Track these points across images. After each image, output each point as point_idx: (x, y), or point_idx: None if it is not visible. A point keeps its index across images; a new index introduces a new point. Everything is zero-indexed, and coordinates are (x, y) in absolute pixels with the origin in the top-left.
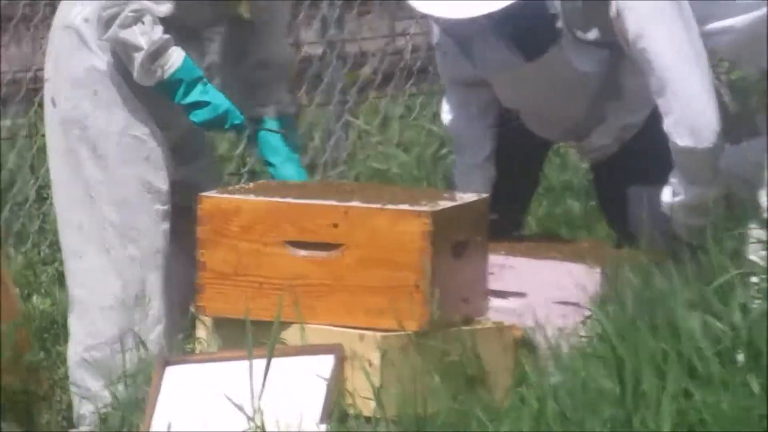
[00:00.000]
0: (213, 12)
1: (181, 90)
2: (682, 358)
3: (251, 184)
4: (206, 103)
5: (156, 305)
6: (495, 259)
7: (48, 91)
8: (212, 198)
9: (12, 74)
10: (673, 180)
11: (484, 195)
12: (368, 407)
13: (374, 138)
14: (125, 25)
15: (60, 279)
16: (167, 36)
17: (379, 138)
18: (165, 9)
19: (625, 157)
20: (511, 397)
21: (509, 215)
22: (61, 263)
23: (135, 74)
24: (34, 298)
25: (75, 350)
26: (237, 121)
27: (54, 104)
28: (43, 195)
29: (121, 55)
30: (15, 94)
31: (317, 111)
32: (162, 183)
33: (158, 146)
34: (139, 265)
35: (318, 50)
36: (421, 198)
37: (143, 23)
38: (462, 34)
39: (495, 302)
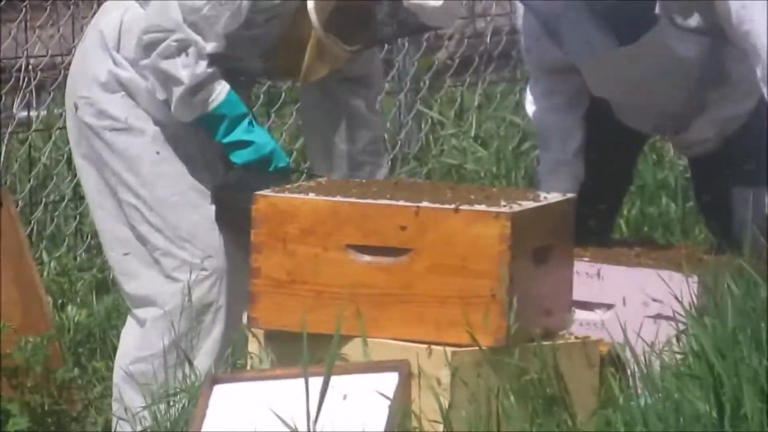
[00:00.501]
0: (263, 67)
1: (224, 126)
2: None
3: (311, 182)
4: (250, 143)
5: (212, 315)
6: (581, 267)
7: (69, 96)
8: (268, 197)
9: (49, 57)
10: None
11: (571, 195)
12: (436, 430)
13: (449, 130)
14: (167, 56)
15: (98, 287)
16: (212, 70)
17: (454, 130)
18: (211, 47)
19: (727, 153)
20: (595, 420)
21: (598, 217)
22: (99, 270)
23: (173, 108)
24: (69, 308)
25: (121, 363)
26: (282, 164)
27: (76, 108)
28: (80, 193)
29: (158, 83)
30: (52, 79)
31: (387, 100)
32: (206, 181)
33: (197, 143)
34: (192, 270)
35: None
36: (500, 198)
37: (187, 55)
38: (550, 15)
39: (580, 314)
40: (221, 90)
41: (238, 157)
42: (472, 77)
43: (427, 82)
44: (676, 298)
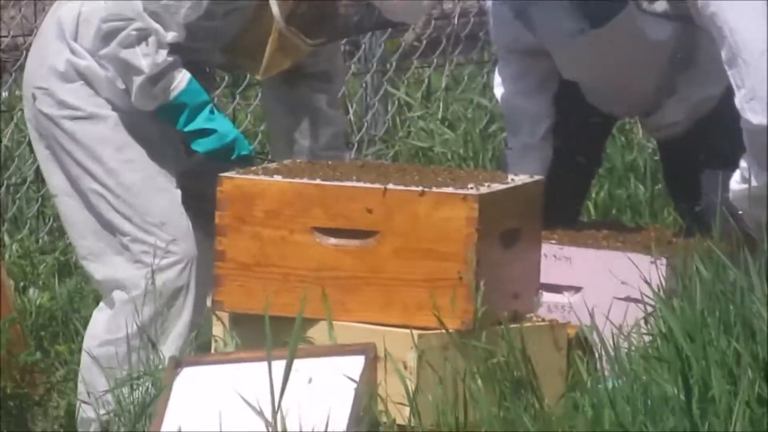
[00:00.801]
0: (224, 59)
1: (185, 115)
2: (757, 361)
3: (277, 164)
4: (212, 131)
5: (182, 299)
6: (549, 249)
7: (27, 86)
8: (233, 179)
9: (10, 38)
10: (743, 164)
11: (539, 177)
12: (403, 414)
13: (416, 112)
14: (127, 45)
15: (60, 270)
16: (172, 58)
17: (421, 112)
18: (171, 36)
19: (698, 136)
20: (563, 403)
21: (566, 200)
22: (62, 253)
23: (133, 98)
24: (31, 291)
25: (88, 345)
26: (245, 152)
27: (34, 99)
28: (42, 176)
29: (117, 73)
30: (13, 60)
31: (353, 81)
32: (171, 166)
33: (160, 129)
34: (161, 254)
35: (358, 13)
36: (467, 180)
37: (147, 44)
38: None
39: (548, 297)
40: (182, 78)
41: (201, 146)
42: (439, 59)
43: (394, 64)
44: (645, 280)
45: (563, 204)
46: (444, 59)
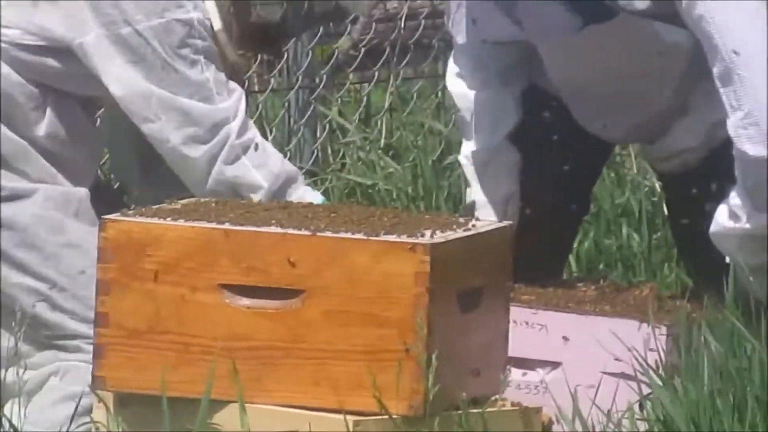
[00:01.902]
0: None
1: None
2: None
3: (177, 203)
4: None
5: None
6: (519, 314)
7: None
8: (119, 222)
9: None
10: (733, 200)
11: (506, 223)
12: None
13: (353, 138)
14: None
15: None
16: (292, 168)
17: (359, 138)
18: None
19: (712, 169)
20: None
21: (544, 254)
22: None
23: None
24: None
25: None
26: None
27: None
28: None
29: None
30: None
31: (274, 98)
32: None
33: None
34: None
35: (277, 13)
36: (417, 226)
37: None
38: None
39: (517, 375)
40: (312, 197)
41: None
42: (381, 72)
43: (325, 78)
44: (639, 354)
45: (540, 259)
46: (387, 72)
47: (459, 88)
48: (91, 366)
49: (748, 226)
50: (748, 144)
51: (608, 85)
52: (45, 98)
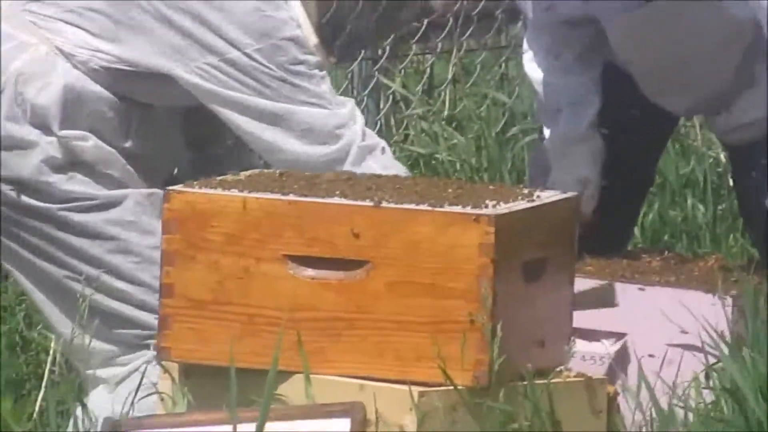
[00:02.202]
0: None
1: None
2: None
3: (240, 175)
4: None
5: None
6: (584, 285)
7: None
8: (184, 194)
9: None
10: None
11: (572, 194)
12: None
13: (416, 110)
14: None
15: None
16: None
17: (422, 110)
18: None
19: None
20: None
21: (610, 225)
22: None
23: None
24: None
25: None
26: None
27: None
28: None
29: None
30: None
31: (337, 70)
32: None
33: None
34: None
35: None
36: (481, 196)
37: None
38: None
39: (582, 346)
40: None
41: None
42: (444, 43)
43: (388, 49)
44: (706, 325)
45: (605, 230)
46: (450, 44)
47: (537, 73)
48: None
49: None
50: None
51: (673, 60)
52: (132, 110)
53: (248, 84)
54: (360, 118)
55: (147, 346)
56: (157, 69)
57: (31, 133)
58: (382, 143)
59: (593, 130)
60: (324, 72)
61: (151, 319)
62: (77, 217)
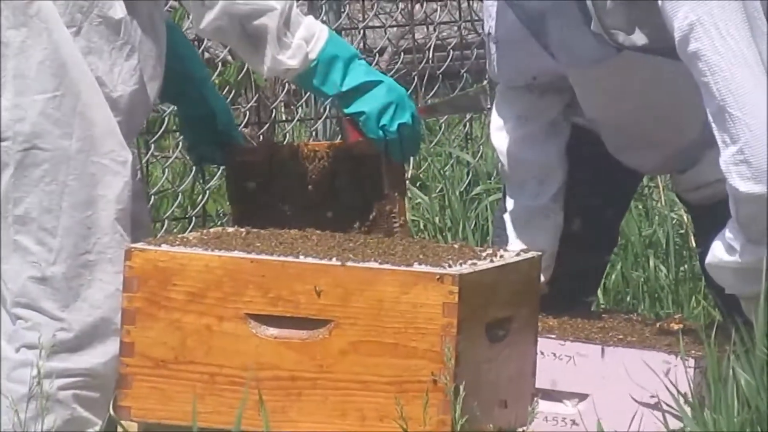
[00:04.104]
0: None
1: (340, 71)
2: None
3: (201, 232)
4: (377, 83)
5: None
6: (547, 346)
7: None
8: (146, 252)
9: None
10: (728, 234)
11: (535, 253)
12: None
13: None
14: None
15: None
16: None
17: None
18: None
19: None
20: None
21: (574, 287)
22: None
23: (265, 68)
24: None
25: None
26: (412, 110)
27: None
28: None
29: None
30: None
31: (301, 128)
32: None
33: None
34: None
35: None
36: (445, 256)
37: None
38: (536, 12)
39: (545, 406)
40: (321, 28)
41: (367, 104)
42: None
43: None
44: (669, 386)
45: (570, 292)
46: (415, 103)
47: (503, 144)
48: None
49: (741, 259)
50: (739, 180)
51: (641, 116)
52: None
53: None
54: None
55: None
56: None
57: None
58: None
59: (556, 204)
60: None
61: None
62: None
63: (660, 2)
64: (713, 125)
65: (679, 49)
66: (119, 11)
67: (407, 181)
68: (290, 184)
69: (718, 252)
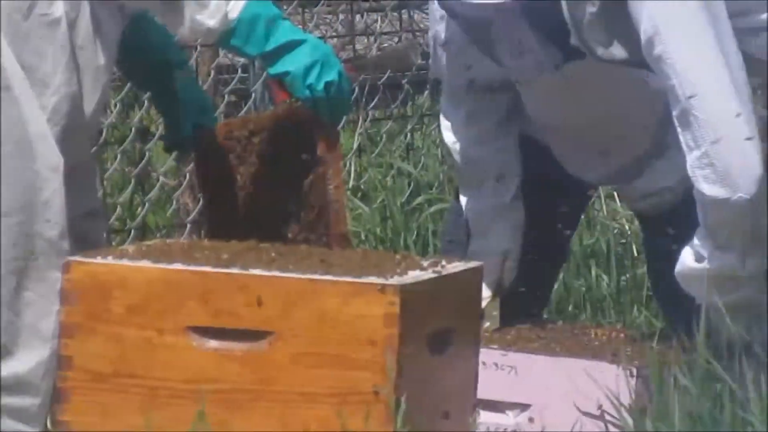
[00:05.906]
0: None
1: (262, 31)
2: None
3: (142, 245)
4: (301, 42)
5: None
6: (489, 356)
7: None
8: (85, 265)
9: None
10: (696, 241)
11: (476, 264)
12: None
13: None
14: None
15: None
16: None
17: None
18: None
19: (689, 209)
20: None
21: (521, 298)
22: None
23: (186, 29)
24: None
25: None
26: (338, 67)
27: None
28: None
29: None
30: None
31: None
32: None
33: None
34: None
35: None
36: (386, 266)
37: None
38: (478, 20)
39: (487, 417)
40: None
41: (292, 64)
42: (349, 113)
43: None
44: (610, 395)
45: (516, 306)
46: (356, 113)
47: (454, 142)
48: None
49: (710, 266)
50: (704, 184)
51: (590, 126)
52: None
53: None
54: None
55: None
56: None
57: None
58: None
59: (517, 202)
60: None
61: None
62: None
63: (628, 5)
64: (678, 128)
65: (645, 52)
66: (59, 9)
67: (343, 160)
68: (245, 161)
69: (687, 260)
